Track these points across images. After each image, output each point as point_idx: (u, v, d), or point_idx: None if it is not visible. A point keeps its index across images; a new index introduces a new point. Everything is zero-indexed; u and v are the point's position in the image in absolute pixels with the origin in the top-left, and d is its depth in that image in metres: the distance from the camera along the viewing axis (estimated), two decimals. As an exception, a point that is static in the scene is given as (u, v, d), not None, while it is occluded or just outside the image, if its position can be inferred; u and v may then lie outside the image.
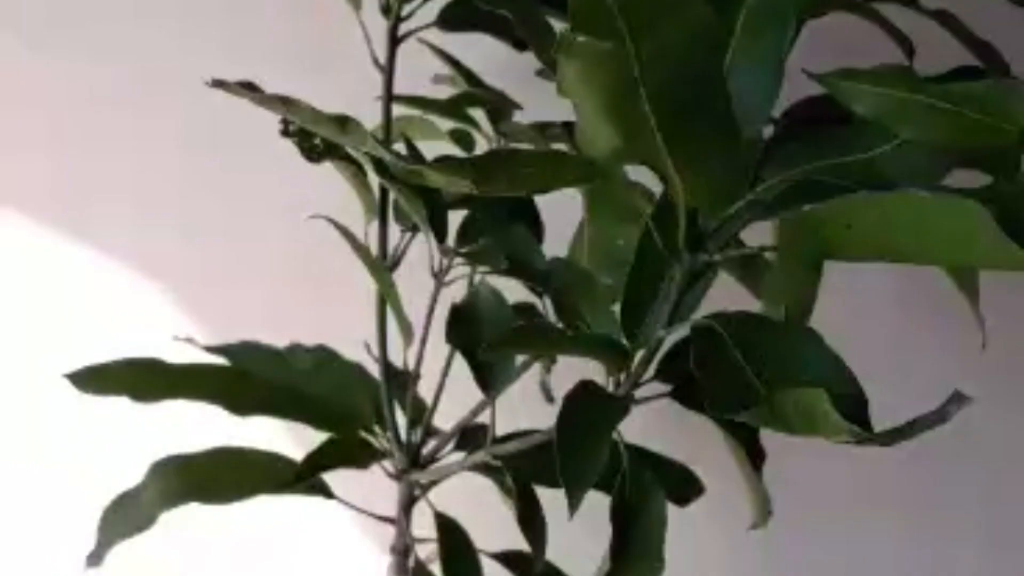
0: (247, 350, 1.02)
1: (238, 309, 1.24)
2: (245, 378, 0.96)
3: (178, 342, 0.99)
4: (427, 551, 1.00)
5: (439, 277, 0.86)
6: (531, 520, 0.85)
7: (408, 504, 1.01)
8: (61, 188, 1.28)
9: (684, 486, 0.97)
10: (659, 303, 0.72)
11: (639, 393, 0.75)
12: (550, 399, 1.02)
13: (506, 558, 1.01)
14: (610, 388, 0.75)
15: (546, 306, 0.91)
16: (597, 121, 0.57)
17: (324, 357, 1.03)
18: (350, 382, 1.01)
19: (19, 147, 1.27)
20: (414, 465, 0.99)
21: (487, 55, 0.99)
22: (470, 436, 0.99)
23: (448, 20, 0.90)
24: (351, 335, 0.97)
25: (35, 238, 1.27)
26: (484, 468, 0.92)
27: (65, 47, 1.26)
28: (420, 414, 0.98)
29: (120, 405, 0.92)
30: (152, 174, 1.26)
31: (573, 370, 0.77)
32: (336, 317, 1.11)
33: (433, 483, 0.99)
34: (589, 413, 0.69)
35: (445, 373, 0.95)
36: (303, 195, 1.02)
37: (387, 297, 0.87)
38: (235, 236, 1.26)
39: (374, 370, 0.98)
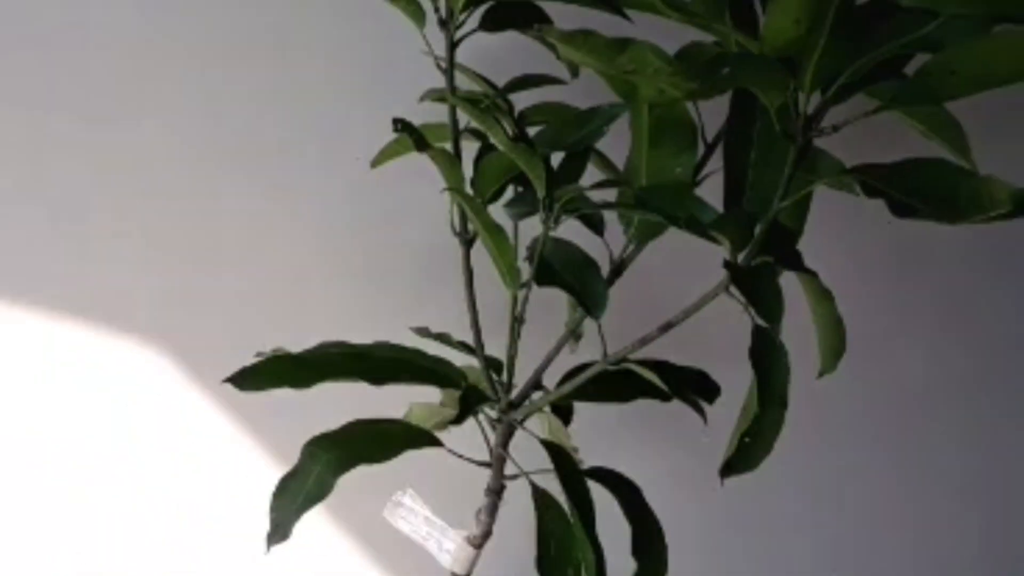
0: (332, 346, 1.16)
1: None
2: (369, 357, 1.10)
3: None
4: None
5: (547, 223, 1.04)
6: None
7: (506, 442, 1.17)
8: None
9: (706, 388, 1.19)
10: (767, 185, 0.94)
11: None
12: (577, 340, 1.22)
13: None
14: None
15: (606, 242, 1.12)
16: (786, 24, 0.78)
17: (395, 346, 1.18)
18: (437, 358, 1.16)
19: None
20: (511, 406, 1.16)
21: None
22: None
23: (488, 22, 1.09)
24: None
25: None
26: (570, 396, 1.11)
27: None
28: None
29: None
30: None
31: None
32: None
33: (526, 418, 1.17)
34: (753, 272, 0.90)
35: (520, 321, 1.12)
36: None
37: (499, 249, 1.04)
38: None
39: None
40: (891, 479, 1.55)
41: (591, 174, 1.14)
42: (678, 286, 1.10)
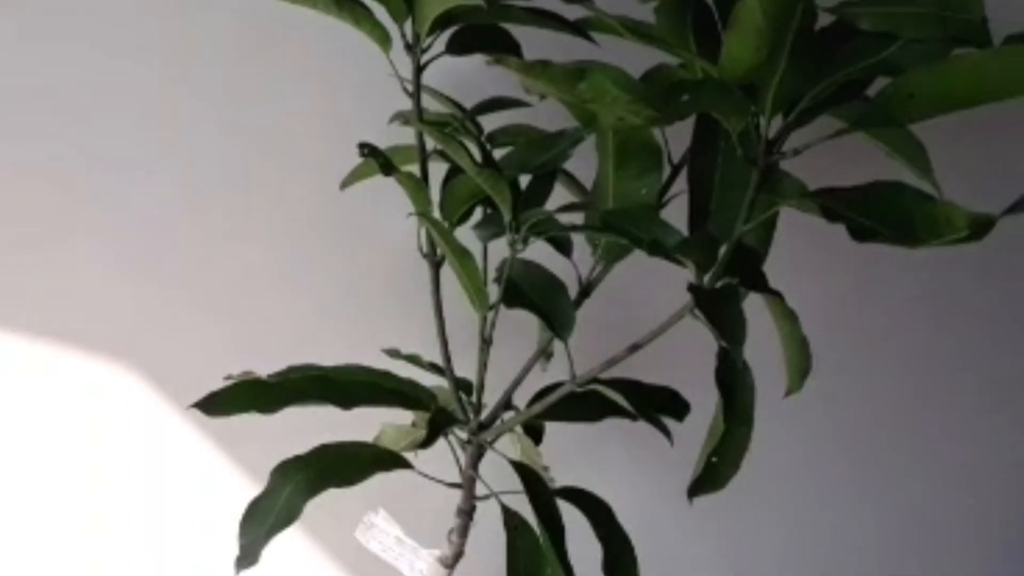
0: (301, 368, 1.16)
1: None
2: (338, 380, 1.10)
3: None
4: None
5: (514, 246, 1.04)
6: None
7: (476, 463, 1.18)
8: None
9: (676, 406, 1.19)
10: (730, 207, 0.95)
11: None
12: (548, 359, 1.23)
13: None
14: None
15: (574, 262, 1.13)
16: (745, 53, 0.79)
17: (364, 368, 1.18)
18: (407, 380, 1.16)
19: None
20: (480, 428, 1.16)
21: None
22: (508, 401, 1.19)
23: (455, 46, 1.09)
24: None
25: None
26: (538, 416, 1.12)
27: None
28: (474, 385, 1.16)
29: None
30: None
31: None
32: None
33: (496, 439, 1.17)
34: (717, 294, 0.91)
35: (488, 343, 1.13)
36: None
37: (466, 272, 1.05)
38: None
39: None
40: (864, 496, 1.55)
41: (559, 193, 1.15)
42: (647, 304, 1.11)
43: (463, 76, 1.19)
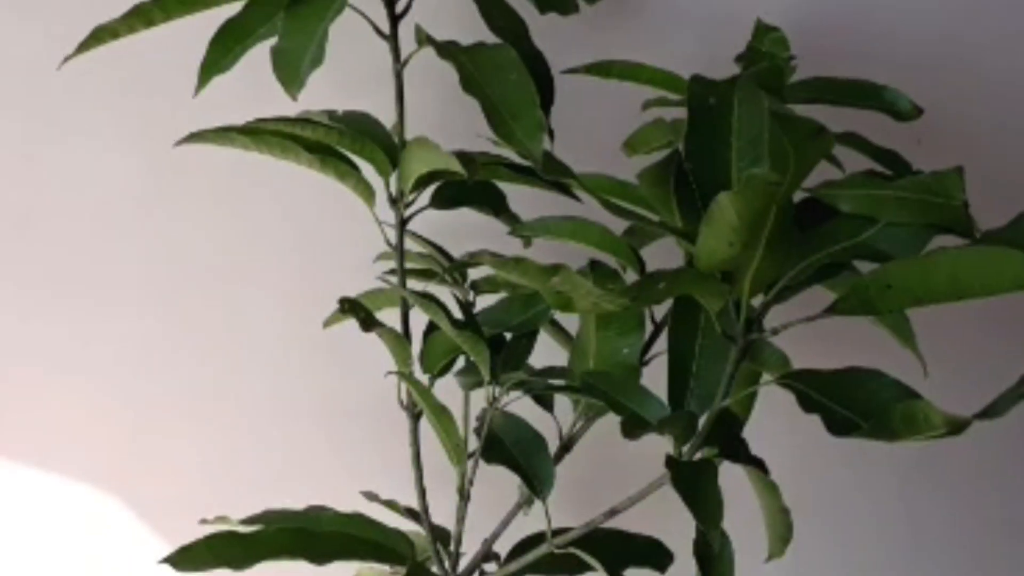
0: (276, 515, 1.15)
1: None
2: (310, 534, 1.08)
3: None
4: None
5: (492, 404, 1.04)
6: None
7: (456, 621, 1.16)
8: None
9: (659, 557, 1.18)
10: (710, 377, 0.94)
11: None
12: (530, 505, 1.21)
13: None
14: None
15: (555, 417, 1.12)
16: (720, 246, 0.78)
17: (340, 516, 1.16)
18: (384, 527, 1.15)
19: None
20: (458, 583, 1.15)
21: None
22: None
23: (439, 201, 1.09)
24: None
25: None
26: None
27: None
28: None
29: None
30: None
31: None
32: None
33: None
34: (694, 471, 0.90)
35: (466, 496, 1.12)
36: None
37: (444, 429, 1.04)
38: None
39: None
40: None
41: (544, 340, 1.14)
42: (628, 456, 1.09)
43: (448, 223, 1.19)
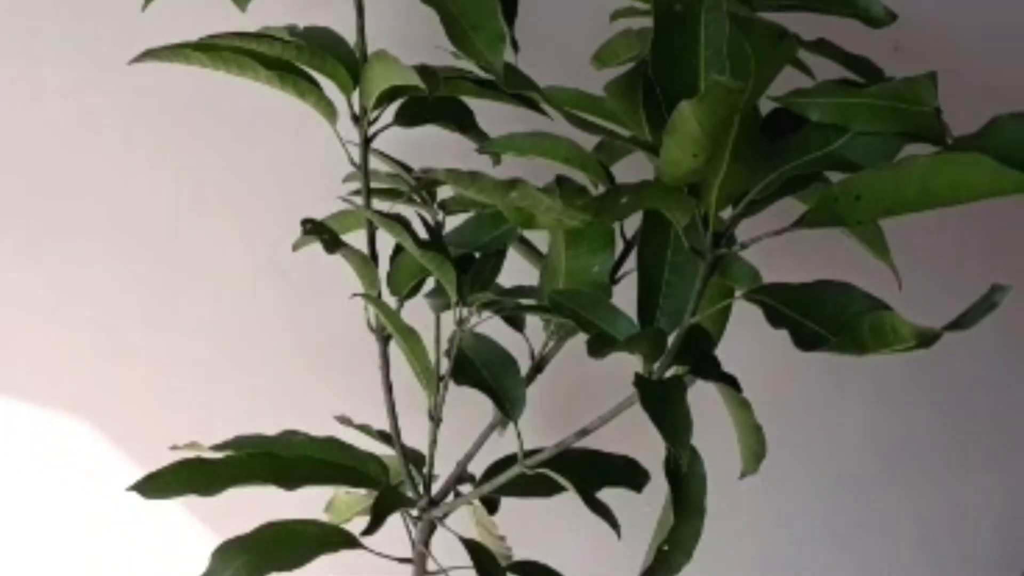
0: (248, 440, 1.13)
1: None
2: (280, 459, 1.07)
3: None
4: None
5: (461, 325, 1.02)
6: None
7: (427, 539, 1.15)
8: None
9: (634, 476, 1.17)
10: (681, 294, 0.92)
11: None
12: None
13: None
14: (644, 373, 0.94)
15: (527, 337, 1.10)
16: (684, 157, 0.76)
17: (313, 440, 1.15)
18: (357, 451, 1.13)
19: None
20: (431, 504, 1.13)
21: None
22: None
23: (403, 117, 1.06)
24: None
25: None
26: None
27: None
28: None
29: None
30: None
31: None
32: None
33: (446, 516, 1.14)
34: (662, 389, 0.88)
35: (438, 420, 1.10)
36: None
37: (413, 352, 1.02)
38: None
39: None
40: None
41: (514, 258, 1.12)
42: (602, 374, 1.07)
43: (414, 141, 1.16)
